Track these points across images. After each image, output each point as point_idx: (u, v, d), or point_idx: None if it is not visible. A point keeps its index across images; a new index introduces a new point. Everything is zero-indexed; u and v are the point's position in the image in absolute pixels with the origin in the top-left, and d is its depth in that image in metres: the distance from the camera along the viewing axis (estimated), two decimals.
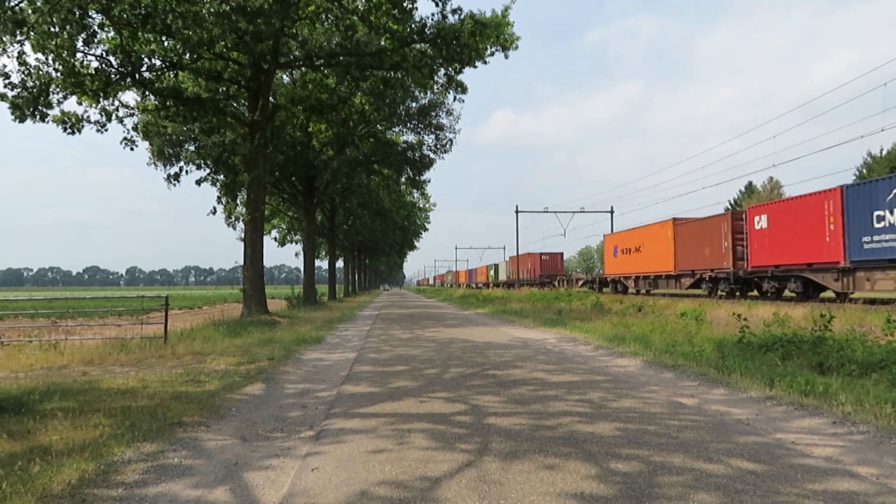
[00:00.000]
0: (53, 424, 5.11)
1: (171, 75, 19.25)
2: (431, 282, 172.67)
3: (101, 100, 17.48)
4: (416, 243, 75.98)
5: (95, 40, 15.84)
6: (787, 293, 20.86)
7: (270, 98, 21.14)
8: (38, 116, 15.60)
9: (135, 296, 20.67)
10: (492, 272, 74.93)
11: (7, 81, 15.06)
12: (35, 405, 5.82)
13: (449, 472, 3.93)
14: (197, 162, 23.56)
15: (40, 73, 15.52)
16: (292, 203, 34.56)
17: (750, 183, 68.46)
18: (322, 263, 53.95)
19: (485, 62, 19.27)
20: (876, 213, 15.81)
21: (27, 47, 15.05)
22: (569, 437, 4.77)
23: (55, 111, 16.77)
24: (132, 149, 19.64)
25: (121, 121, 19.09)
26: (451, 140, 30.69)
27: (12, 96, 15.29)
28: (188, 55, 17.66)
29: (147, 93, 18.92)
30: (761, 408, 5.85)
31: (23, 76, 15.26)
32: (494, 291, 50.21)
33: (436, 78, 20.49)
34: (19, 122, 15.47)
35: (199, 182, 23.86)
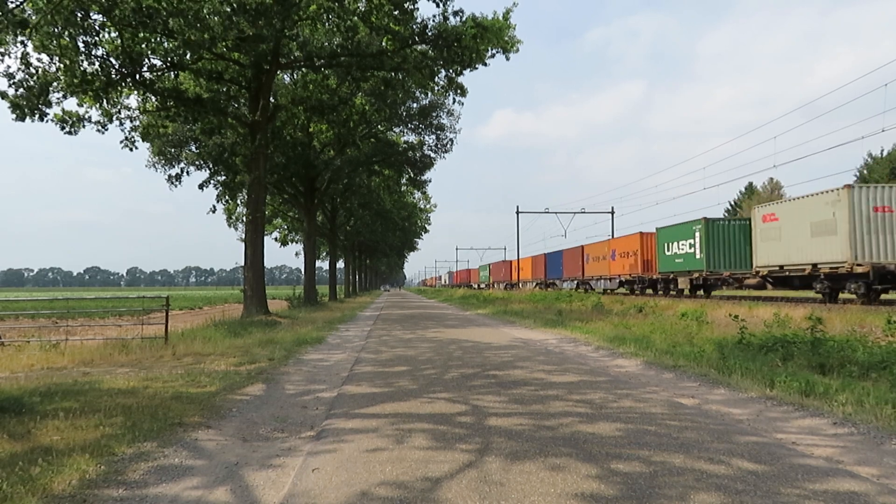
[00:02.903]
0: (54, 424, 5.11)
1: (172, 76, 19.28)
2: (446, 282, 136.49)
3: (102, 101, 17.51)
4: (416, 244, 76.25)
5: (97, 42, 15.87)
6: None
7: (271, 98, 21.17)
8: (37, 115, 15.62)
9: (135, 296, 20.69)
10: (639, 256, 29.69)
11: (11, 81, 15.09)
12: (36, 405, 5.82)
13: (450, 473, 3.93)
14: (197, 163, 23.64)
15: (46, 73, 15.54)
16: (293, 204, 34.58)
17: (750, 184, 68.46)
18: (323, 264, 54.03)
19: (485, 65, 19.31)
20: None
21: (30, 48, 14.96)
22: (570, 437, 4.77)
23: (55, 110, 16.82)
24: (132, 149, 19.70)
25: (121, 123, 19.15)
26: (451, 140, 30.79)
27: (13, 95, 15.31)
28: (189, 55, 17.69)
29: (148, 94, 18.95)
30: (762, 408, 5.85)
31: (25, 76, 15.27)
32: (495, 292, 49.82)
33: (436, 79, 20.51)
34: (19, 120, 15.50)
35: (202, 186, 24.01)
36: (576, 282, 40.41)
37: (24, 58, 14.93)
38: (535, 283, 52.13)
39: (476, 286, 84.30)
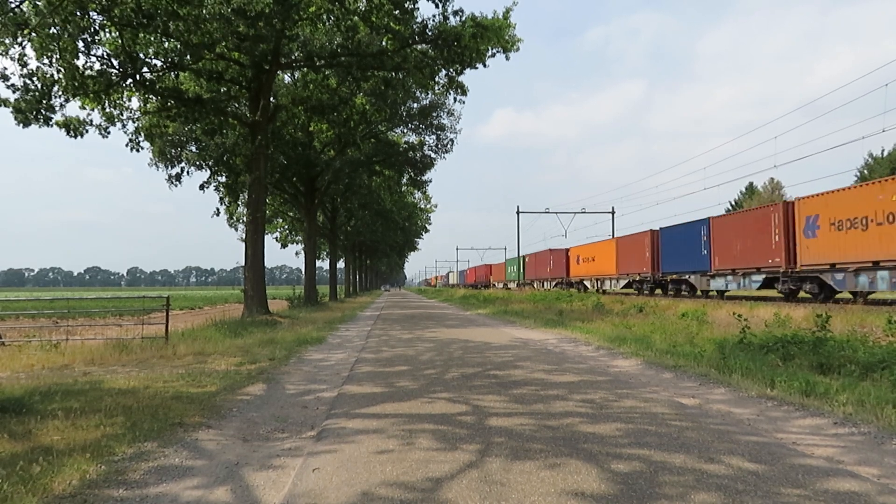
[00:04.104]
0: (55, 424, 5.11)
1: (173, 76, 19.29)
2: (455, 281, 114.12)
3: (103, 102, 17.50)
4: (416, 244, 76.29)
5: (96, 41, 15.84)
6: None
7: (271, 99, 21.18)
8: (41, 121, 15.50)
9: (136, 296, 20.71)
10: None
11: (9, 84, 14.98)
12: (36, 405, 5.82)
13: (451, 473, 3.93)
14: (198, 163, 23.68)
15: (44, 76, 15.46)
16: (293, 204, 34.59)
17: (751, 184, 68.47)
18: (323, 264, 54.09)
19: (485, 65, 19.30)
20: None
21: (28, 50, 14.90)
22: (570, 437, 4.77)
23: (58, 116, 16.65)
24: (137, 150, 19.77)
25: (124, 125, 19.17)
26: (452, 140, 30.84)
27: (15, 100, 15.21)
28: (189, 56, 17.70)
29: (148, 94, 18.96)
30: (762, 408, 5.85)
31: (25, 80, 15.18)
32: (495, 291, 48.92)
33: (437, 79, 20.52)
34: (23, 126, 15.31)
35: (202, 187, 24.10)
36: (763, 276, 20.55)
37: (21, 58, 14.84)
38: (624, 281, 32.11)
39: (502, 286, 63.17)
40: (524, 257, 54.33)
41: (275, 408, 6.26)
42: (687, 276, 25.82)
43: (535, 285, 49.32)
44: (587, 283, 38.69)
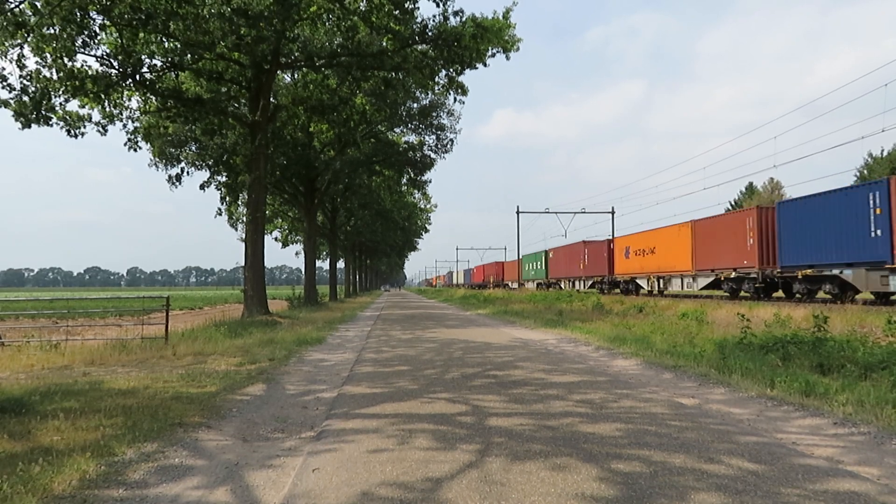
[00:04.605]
0: (54, 425, 5.11)
1: (172, 76, 19.29)
2: (460, 281, 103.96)
3: (102, 102, 17.49)
4: (416, 244, 76.33)
5: (96, 41, 15.82)
6: None
7: (272, 99, 21.18)
8: (41, 121, 15.47)
9: (136, 296, 20.68)
10: None
11: (6, 84, 14.92)
12: (36, 405, 5.82)
13: (450, 473, 3.93)
14: (198, 163, 23.69)
15: (40, 76, 15.43)
16: (293, 204, 34.59)
17: (751, 184, 68.45)
18: (323, 264, 54.04)
19: (485, 65, 19.32)
20: None
21: (27, 50, 14.85)
22: (570, 437, 4.77)
23: (58, 113, 16.60)
24: (135, 150, 19.76)
25: (123, 125, 19.18)
26: (451, 140, 30.85)
27: (15, 102, 15.16)
28: (189, 56, 17.68)
29: (148, 94, 18.96)
30: (762, 408, 5.85)
31: (24, 81, 15.14)
32: (496, 292, 47.86)
33: (437, 79, 20.51)
34: (25, 128, 15.25)
35: (203, 186, 24.14)
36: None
37: (20, 60, 14.79)
38: (707, 280, 24.02)
39: (517, 286, 53.50)
40: (547, 252, 45.29)
41: (275, 408, 6.26)
42: (837, 272, 17.34)
43: (563, 285, 40.32)
44: (641, 283, 30.26)
